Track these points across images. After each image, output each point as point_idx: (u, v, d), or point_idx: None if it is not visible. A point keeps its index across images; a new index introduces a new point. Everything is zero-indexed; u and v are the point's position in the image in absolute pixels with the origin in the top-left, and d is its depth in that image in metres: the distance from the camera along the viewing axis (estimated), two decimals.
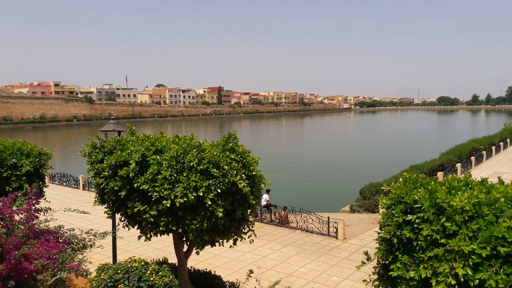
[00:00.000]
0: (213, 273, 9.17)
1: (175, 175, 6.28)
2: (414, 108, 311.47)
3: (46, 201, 9.96)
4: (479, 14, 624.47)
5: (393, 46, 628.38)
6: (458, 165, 27.81)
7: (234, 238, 7.45)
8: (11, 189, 9.10)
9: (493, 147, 37.02)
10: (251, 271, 8.82)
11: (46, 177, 10.86)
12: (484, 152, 33.88)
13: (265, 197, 17.89)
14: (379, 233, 5.01)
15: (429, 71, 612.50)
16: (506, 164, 32.44)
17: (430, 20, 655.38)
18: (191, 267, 9.20)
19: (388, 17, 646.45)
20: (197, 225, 6.36)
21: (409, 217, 4.53)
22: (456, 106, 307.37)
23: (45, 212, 6.00)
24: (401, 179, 5.31)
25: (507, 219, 3.84)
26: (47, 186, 10.99)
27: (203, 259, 12.86)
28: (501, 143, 40.12)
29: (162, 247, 14.13)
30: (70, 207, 8.63)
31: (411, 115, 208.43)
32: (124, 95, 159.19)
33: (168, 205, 6.19)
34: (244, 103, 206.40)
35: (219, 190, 6.27)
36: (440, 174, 24.01)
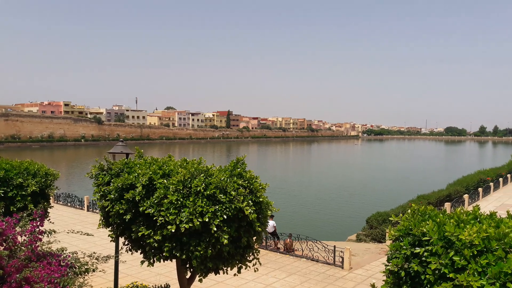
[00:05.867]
0: None
1: (181, 199, 6.27)
2: (422, 138, 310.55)
3: (50, 222, 9.93)
4: (487, 47, 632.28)
5: (401, 75, 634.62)
6: (466, 196, 27.45)
7: (239, 266, 7.34)
8: (15, 209, 9.08)
9: (501, 179, 36.62)
10: None
11: (51, 197, 10.87)
12: (491, 184, 33.49)
13: (272, 223, 17.68)
14: (386, 265, 4.92)
15: (437, 101, 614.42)
16: None
17: (437, 51, 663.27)
18: None
19: (395, 46, 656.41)
20: (201, 252, 6.29)
21: (417, 249, 4.46)
22: (464, 137, 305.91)
23: (49, 234, 5.96)
24: (409, 211, 5.26)
25: None
26: (52, 206, 10.96)
27: (206, 286, 12.64)
28: (509, 175, 39.69)
29: (164, 272, 13.93)
30: (73, 229, 8.58)
31: (418, 144, 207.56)
32: (133, 117, 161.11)
33: (173, 230, 6.15)
34: (252, 128, 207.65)
35: (225, 216, 6.23)
36: (447, 205, 23.70)
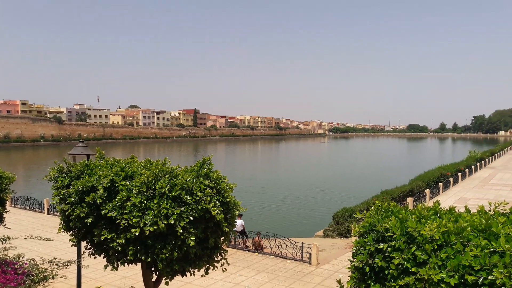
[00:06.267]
0: None
1: (145, 202, 6.10)
2: (385, 135, 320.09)
3: (6, 227, 9.44)
4: (447, 46, 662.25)
5: (366, 73, 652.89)
6: (427, 191, 28.52)
7: (206, 267, 7.24)
8: None
9: (459, 174, 38.33)
10: None
11: (7, 201, 10.33)
12: (451, 179, 34.99)
13: (240, 222, 17.65)
14: (351, 261, 5.00)
15: (400, 99, 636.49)
16: (471, 190, 33.56)
17: (399, 50, 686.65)
18: None
19: (360, 46, 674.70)
20: (167, 254, 6.14)
21: (381, 245, 4.54)
22: (425, 134, 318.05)
23: (4, 241, 5.64)
24: (373, 207, 5.36)
25: (474, 248, 3.92)
26: (8, 211, 10.40)
27: None
28: (467, 170, 41.65)
29: (130, 275, 13.59)
30: (32, 234, 8.19)
31: (382, 141, 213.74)
32: (95, 116, 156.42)
33: (137, 234, 5.97)
34: (220, 126, 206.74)
35: (191, 218, 6.11)
36: (410, 200, 24.53)
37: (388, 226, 4.58)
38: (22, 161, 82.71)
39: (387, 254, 4.46)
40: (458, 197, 29.89)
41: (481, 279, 3.73)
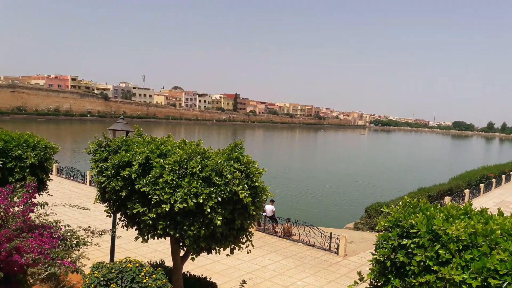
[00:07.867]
0: (208, 279, 9.15)
1: (176, 180, 6.32)
2: (429, 131, 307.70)
3: (49, 194, 10.06)
4: (503, 42, 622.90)
5: (412, 66, 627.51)
6: (467, 191, 27.40)
7: (232, 247, 7.43)
8: (13, 180, 9.15)
9: (503, 176, 36.45)
10: (244, 281, 8.79)
11: (53, 170, 11.02)
12: (493, 180, 33.37)
13: (271, 208, 17.80)
14: (373, 254, 4.98)
15: (447, 95, 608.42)
16: None
17: (449, 47, 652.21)
18: (187, 272, 9.20)
19: (408, 39, 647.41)
20: (194, 232, 6.37)
21: (405, 241, 4.49)
22: (471, 132, 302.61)
23: (42, 207, 6.03)
24: (401, 203, 5.28)
25: (501, 251, 3.80)
26: (51, 180, 11.04)
27: (202, 264, 12.85)
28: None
29: (161, 249, 14.15)
30: (72, 202, 8.72)
31: (425, 137, 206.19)
32: (140, 95, 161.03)
33: (167, 209, 6.22)
34: (259, 112, 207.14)
35: (219, 199, 6.28)
36: (447, 199, 23.70)
37: (413, 222, 4.52)
38: (70, 133, 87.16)
39: (410, 250, 4.41)
40: (500, 200, 28.52)
41: (505, 284, 3.62)
